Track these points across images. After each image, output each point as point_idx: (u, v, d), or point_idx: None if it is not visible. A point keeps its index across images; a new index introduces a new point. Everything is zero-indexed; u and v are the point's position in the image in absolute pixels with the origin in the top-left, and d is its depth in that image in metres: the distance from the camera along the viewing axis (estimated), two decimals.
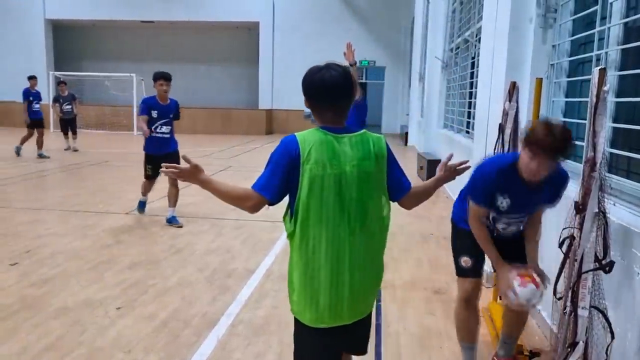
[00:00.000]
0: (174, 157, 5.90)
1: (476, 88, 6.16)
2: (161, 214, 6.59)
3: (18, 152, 11.96)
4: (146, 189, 6.54)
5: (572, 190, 2.47)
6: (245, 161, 12.65)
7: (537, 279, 2.35)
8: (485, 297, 4.02)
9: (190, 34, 24.51)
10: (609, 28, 3.13)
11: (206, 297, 3.99)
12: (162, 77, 6.23)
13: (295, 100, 22.02)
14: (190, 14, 22.33)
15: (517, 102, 3.51)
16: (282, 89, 22.21)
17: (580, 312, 2.08)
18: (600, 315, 2.09)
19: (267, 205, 1.90)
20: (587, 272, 2.05)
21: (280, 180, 1.85)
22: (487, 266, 4.28)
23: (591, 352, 2.17)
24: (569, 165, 3.74)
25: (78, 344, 3.20)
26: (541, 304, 3.54)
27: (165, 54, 24.84)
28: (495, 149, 3.70)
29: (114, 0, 22.33)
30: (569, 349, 2.15)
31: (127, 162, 12.10)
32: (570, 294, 2.13)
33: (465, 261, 2.86)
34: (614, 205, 2.68)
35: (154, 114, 6.08)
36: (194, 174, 1.91)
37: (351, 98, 1.93)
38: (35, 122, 11.94)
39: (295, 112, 21.80)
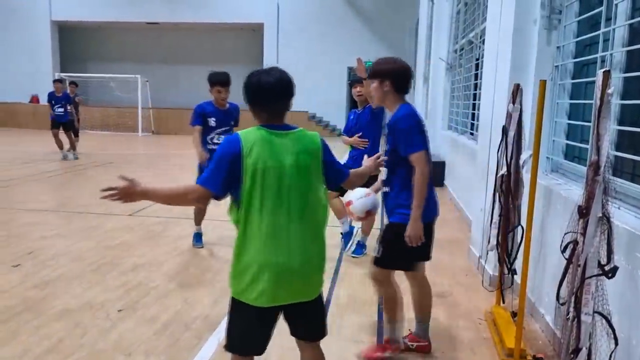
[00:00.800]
0: None
1: (480, 90, 6.13)
2: (163, 215, 6.59)
3: (68, 157, 12.00)
4: (197, 217, 5.50)
5: (576, 194, 2.45)
6: None
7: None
8: (488, 300, 3.99)
9: (195, 35, 24.57)
10: (614, 29, 3.10)
11: (208, 300, 3.97)
12: (219, 83, 5.24)
13: (299, 101, 21.96)
14: (195, 15, 22.38)
15: (520, 104, 3.48)
16: None
17: (583, 317, 2.05)
18: (604, 320, 2.07)
19: (216, 200, 2.14)
20: (590, 277, 2.03)
21: (225, 175, 2.05)
22: (490, 269, 4.26)
23: (594, 359, 2.14)
24: (573, 167, 3.72)
25: (79, 347, 3.19)
26: (543, 306, 3.51)
27: (170, 55, 24.92)
28: (498, 151, 3.67)
29: (120, 1, 22.41)
30: (572, 355, 2.13)
31: (132, 164, 12.13)
32: (573, 300, 2.10)
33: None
34: (619, 209, 2.65)
35: (212, 122, 5.26)
36: (133, 191, 2.03)
37: (287, 101, 2.13)
38: (57, 124, 11.99)
39: (299, 113, 21.84)
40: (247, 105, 2.16)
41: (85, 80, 21.07)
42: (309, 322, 2.27)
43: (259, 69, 2.14)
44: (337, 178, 2.30)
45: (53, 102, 12.03)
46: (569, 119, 3.91)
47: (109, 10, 22.50)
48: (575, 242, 2.14)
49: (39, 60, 22.97)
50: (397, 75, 2.96)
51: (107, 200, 2.04)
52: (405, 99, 3.04)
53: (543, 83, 2.91)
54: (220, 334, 3.41)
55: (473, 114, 7.78)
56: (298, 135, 2.16)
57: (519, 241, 3.45)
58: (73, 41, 24.80)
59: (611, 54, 3.11)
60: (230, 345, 2.22)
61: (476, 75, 7.72)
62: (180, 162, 12.48)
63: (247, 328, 2.16)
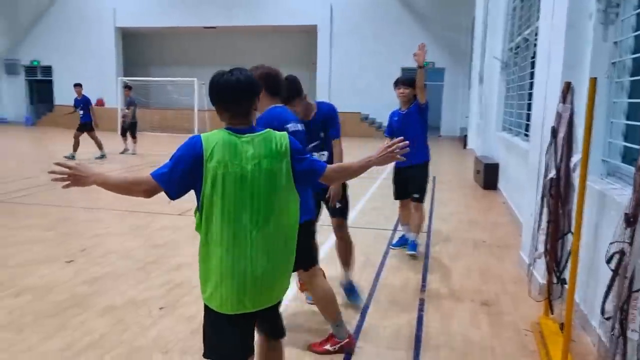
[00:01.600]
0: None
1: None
2: None
3: (103, 156, 12.48)
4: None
5: (623, 200, 2.26)
6: None
7: None
8: (536, 310, 3.79)
9: (250, 39, 25.00)
10: None
11: None
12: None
13: (352, 102, 22.02)
14: (250, 18, 22.80)
15: (572, 103, 3.28)
16: (339, 91, 22.23)
17: (629, 334, 1.89)
18: None
19: (170, 200, 2.11)
20: (638, 291, 1.86)
21: (180, 176, 2.00)
22: (540, 278, 4.04)
23: None
24: (631, 171, 3.46)
25: (119, 343, 3.27)
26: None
27: (226, 59, 25.36)
28: (547, 153, 3.47)
29: (179, 8, 23.15)
30: None
31: None
32: (619, 315, 1.93)
33: None
34: None
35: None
36: (84, 177, 2.08)
37: (248, 101, 2.07)
38: (80, 126, 12.52)
39: (352, 114, 21.76)
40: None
41: (145, 83, 21.88)
42: (273, 320, 2.31)
43: (222, 70, 2.12)
44: (310, 178, 2.19)
45: (75, 105, 12.77)
46: (628, 118, 3.65)
47: (169, 17, 23.30)
48: (621, 253, 1.98)
49: (104, 65, 24.09)
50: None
51: (58, 182, 2.08)
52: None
53: (593, 81, 2.73)
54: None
55: (528, 115, 7.46)
56: (263, 138, 2.07)
57: (569, 249, 3.25)
58: (135, 46, 25.86)
59: None
60: (207, 351, 2.16)
61: (531, 74, 7.40)
62: None
63: (219, 334, 2.11)
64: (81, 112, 12.61)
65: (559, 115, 3.34)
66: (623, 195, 3.16)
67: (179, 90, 20.74)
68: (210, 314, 2.10)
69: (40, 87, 26.35)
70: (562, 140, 3.32)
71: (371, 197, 8.32)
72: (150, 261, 4.90)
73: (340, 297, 3.63)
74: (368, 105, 22.13)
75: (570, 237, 3.20)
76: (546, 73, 4.44)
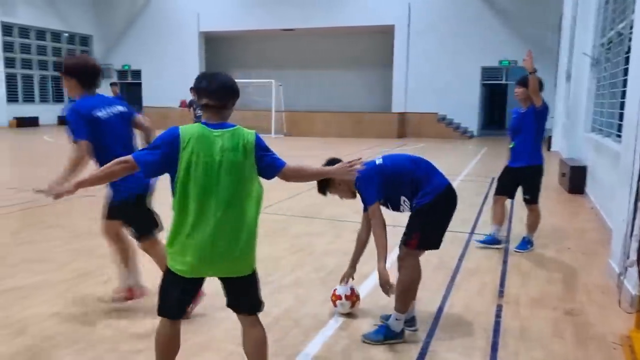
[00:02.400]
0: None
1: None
2: (285, 213, 6.82)
3: None
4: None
5: None
6: None
7: None
8: (627, 323, 3.52)
9: (327, 40, 25.23)
10: None
11: (319, 298, 4.01)
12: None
13: (429, 103, 21.64)
14: (328, 20, 22.99)
15: None
16: (416, 91, 21.90)
17: None
18: None
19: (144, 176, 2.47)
20: None
21: (158, 161, 2.33)
22: (631, 288, 3.75)
23: None
24: None
25: (198, 333, 3.40)
26: None
27: (303, 60, 25.86)
28: None
29: (259, 11, 23.80)
30: None
31: None
32: None
33: None
34: None
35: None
36: (61, 191, 2.57)
37: (224, 102, 2.39)
38: None
39: (429, 115, 21.35)
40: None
41: None
42: (241, 295, 2.52)
43: (205, 72, 2.50)
44: (269, 172, 2.48)
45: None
46: None
47: (249, 20, 24.01)
48: None
49: (187, 68, 25.23)
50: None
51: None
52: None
53: None
54: (326, 333, 3.43)
55: (620, 114, 6.96)
56: (232, 133, 2.37)
57: None
58: (216, 49, 26.88)
59: None
60: (158, 308, 2.52)
61: (625, 71, 6.90)
62: (307, 162, 12.81)
63: (170, 292, 2.47)
64: None
65: None
66: None
67: (258, 91, 21.29)
68: (169, 273, 2.45)
69: (130, 90, 28.07)
70: None
71: None
72: None
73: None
74: (446, 106, 21.63)
75: None
76: None
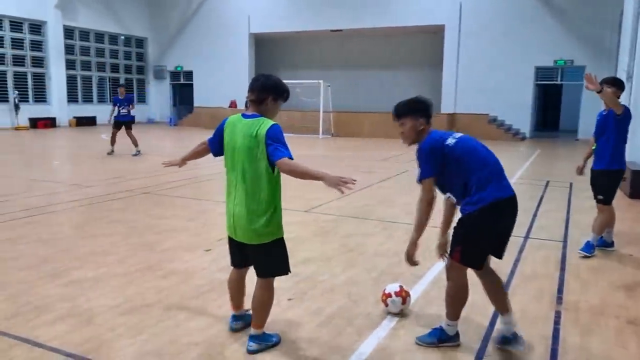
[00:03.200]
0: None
1: None
2: (335, 213, 6.85)
3: (138, 152, 13.53)
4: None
5: None
6: None
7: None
8: None
9: (375, 41, 25.14)
10: None
11: (371, 298, 4.02)
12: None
13: (479, 103, 21.19)
14: (377, 20, 22.90)
15: None
16: (466, 92, 21.51)
17: None
18: None
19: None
20: None
21: (218, 141, 3.17)
22: None
23: None
24: None
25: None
26: None
27: (351, 61, 25.86)
28: None
29: (308, 13, 23.97)
30: None
31: (311, 164, 12.80)
32: None
33: None
34: None
35: None
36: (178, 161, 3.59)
37: (250, 96, 3.02)
38: (118, 123, 13.55)
39: (479, 116, 20.92)
40: None
41: None
42: (253, 261, 3.13)
43: (259, 74, 3.14)
44: (269, 160, 2.91)
45: (118, 104, 13.58)
46: None
47: (298, 21, 24.22)
48: None
49: (238, 69, 25.74)
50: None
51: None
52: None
53: None
54: (380, 333, 3.44)
55: None
56: (252, 123, 2.94)
57: None
58: (266, 51, 27.25)
59: None
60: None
61: None
62: (354, 163, 12.86)
63: (229, 246, 3.30)
64: (124, 110, 13.64)
65: None
66: None
67: (306, 92, 21.46)
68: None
69: (182, 91, 28.87)
70: None
71: None
72: None
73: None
74: (497, 107, 21.16)
75: None
76: None
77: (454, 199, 3.21)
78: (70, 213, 7.00)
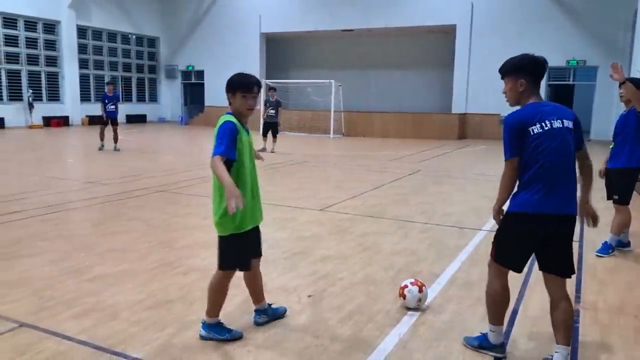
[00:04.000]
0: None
1: None
2: (350, 212, 6.89)
3: (101, 148, 14.17)
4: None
5: None
6: (434, 165, 12.51)
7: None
8: None
9: (386, 40, 25.12)
10: None
11: (390, 296, 4.06)
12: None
13: (490, 103, 21.08)
14: (388, 20, 22.88)
15: None
16: (477, 92, 21.45)
17: None
18: None
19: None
20: None
21: (234, 143, 3.09)
22: None
23: None
24: None
25: (274, 324, 3.52)
26: None
27: (362, 61, 25.87)
28: None
29: (319, 12, 23.99)
30: None
31: (323, 163, 12.90)
32: None
33: None
34: None
35: None
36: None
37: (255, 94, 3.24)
38: (109, 120, 14.22)
39: (490, 116, 20.86)
40: None
41: (285, 85, 23.03)
42: (257, 239, 3.39)
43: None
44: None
45: (106, 101, 14.19)
46: None
47: (309, 21, 24.25)
48: None
49: (249, 68, 25.07)
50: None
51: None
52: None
53: None
54: (400, 329, 3.48)
55: None
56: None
57: None
58: (277, 50, 27.32)
59: None
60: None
61: None
62: (365, 162, 12.90)
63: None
64: (112, 107, 14.19)
65: None
66: None
67: (317, 92, 21.50)
68: None
69: (193, 90, 29.01)
70: None
71: None
72: (296, 252, 5.19)
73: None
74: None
75: None
76: None
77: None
78: (88, 210, 7.10)
